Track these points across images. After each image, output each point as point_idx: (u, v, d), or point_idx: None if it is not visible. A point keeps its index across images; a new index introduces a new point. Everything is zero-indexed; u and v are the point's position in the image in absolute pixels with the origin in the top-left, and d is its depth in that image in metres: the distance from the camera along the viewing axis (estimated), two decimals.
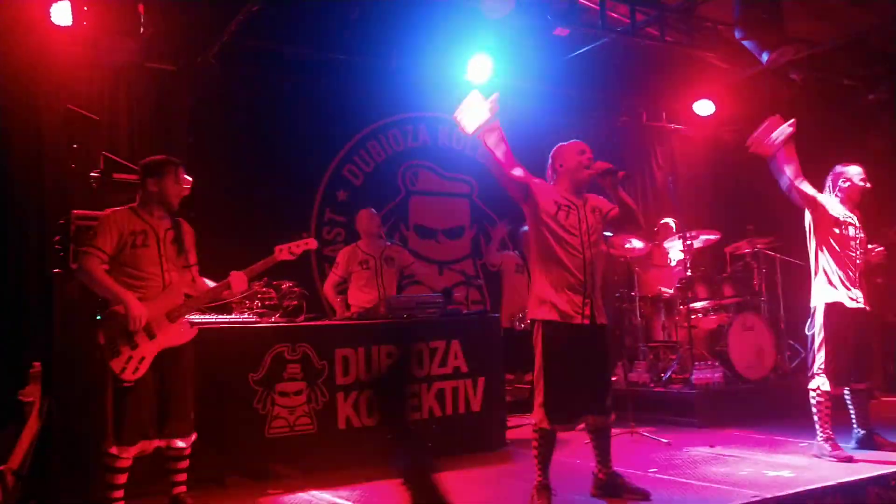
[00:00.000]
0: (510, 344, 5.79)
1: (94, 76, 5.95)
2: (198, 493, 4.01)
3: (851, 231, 4.78)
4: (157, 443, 3.75)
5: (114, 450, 3.63)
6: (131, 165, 4.74)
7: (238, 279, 4.00)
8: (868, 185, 4.82)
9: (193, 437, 3.86)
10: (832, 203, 4.82)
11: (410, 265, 6.41)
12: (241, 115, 6.60)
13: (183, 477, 3.87)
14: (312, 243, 4.27)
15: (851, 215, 4.84)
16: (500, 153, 3.79)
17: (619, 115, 8.66)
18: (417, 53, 6.94)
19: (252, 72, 6.70)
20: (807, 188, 4.72)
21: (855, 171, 4.86)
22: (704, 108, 8.13)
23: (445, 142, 7.83)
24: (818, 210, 4.76)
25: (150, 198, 3.90)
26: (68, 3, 5.30)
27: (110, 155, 4.75)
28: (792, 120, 4.61)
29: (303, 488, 4.31)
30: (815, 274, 4.83)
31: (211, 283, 4.06)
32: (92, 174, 4.66)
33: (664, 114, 8.82)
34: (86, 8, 5.24)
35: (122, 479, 3.69)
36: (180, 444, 3.80)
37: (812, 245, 4.84)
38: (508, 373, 6.23)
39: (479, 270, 7.80)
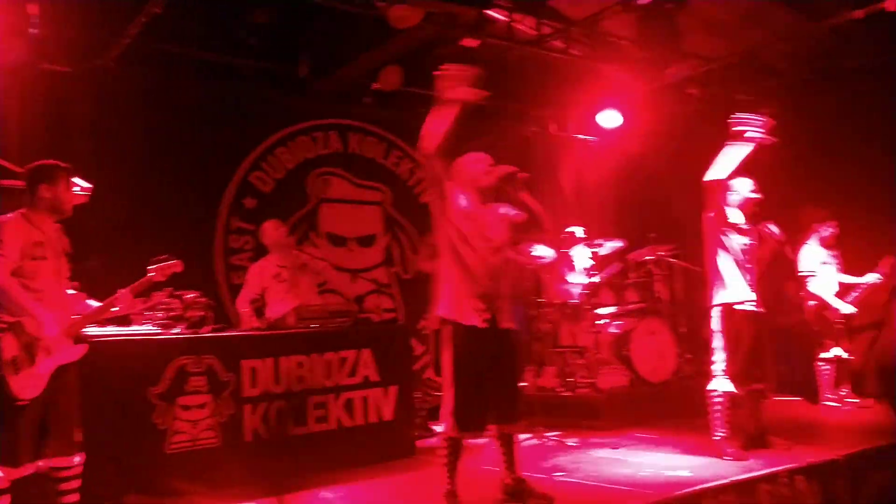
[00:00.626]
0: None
1: None
2: None
3: (746, 238, 5.01)
4: (36, 465, 3.56)
5: (1, 471, 3.43)
6: (21, 171, 4.52)
7: (123, 297, 3.87)
8: (758, 196, 5.05)
9: (78, 458, 3.67)
10: (730, 212, 5.04)
11: (323, 271, 6.33)
12: (143, 119, 6.37)
13: (74, 498, 3.69)
14: (177, 266, 4.11)
15: (745, 224, 5.07)
16: (440, 133, 3.78)
17: (527, 125, 8.82)
18: (328, 60, 6.87)
19: (155, 75, 6.48)
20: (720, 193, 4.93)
21: (745, 184, 5.10)
22: (610, 119, 8.38)
23: (356, 149, 7.79)
24: (720, 208, 4.94)
25: (43, 205, 3.69)
26: None
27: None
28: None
29: None
30: (713, 278, 5.04)
31: (92, 303, 3.92)
32: None
33: (571, 124, 9.04)
34: None
35: (6, 501, 3.51)
36: (62, 464, 3.62)
37: (710, 251, 5.05)
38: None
39: (392, 278, 7.79)
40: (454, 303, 3.86)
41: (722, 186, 5.07)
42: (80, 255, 3.97)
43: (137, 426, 4.35)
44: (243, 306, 5.94)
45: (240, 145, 7.04)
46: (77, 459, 3.67)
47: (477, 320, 3.83)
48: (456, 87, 3.70)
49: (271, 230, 6.05)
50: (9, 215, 3.70)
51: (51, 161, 3.79)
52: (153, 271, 4.03)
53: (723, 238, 4.97)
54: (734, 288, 4.92)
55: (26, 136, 5.72)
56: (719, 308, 4.95)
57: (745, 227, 5.03)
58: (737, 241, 4.96)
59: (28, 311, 3.53)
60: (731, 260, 4.95)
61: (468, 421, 3.81)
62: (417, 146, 3.88)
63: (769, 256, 5.21)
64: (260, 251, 6.37)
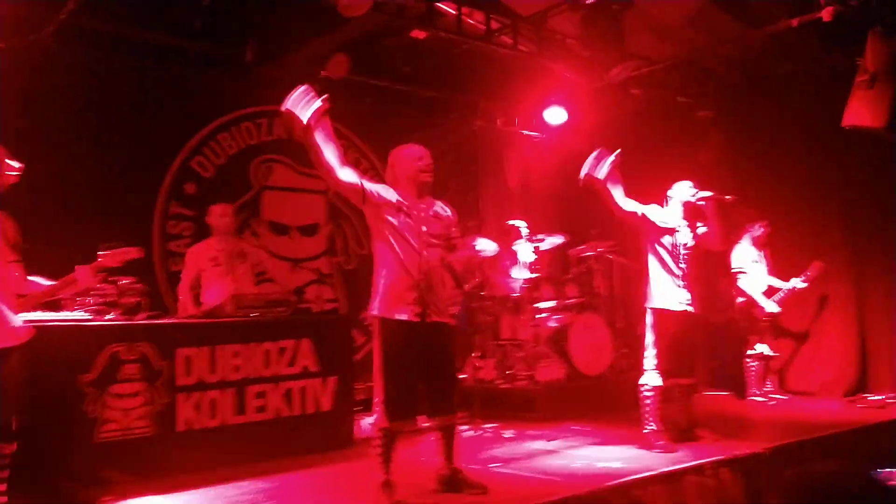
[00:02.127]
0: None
1: None
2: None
3: (680, 239, 5.13)
4: None
5: None
6: None
7: (83, 273, 3.77)
8: (695, 198, 5.17)
9: (13, 447, 3.59)
10: (662, 214, 5.15)
11: (263, 261, 6.26)
12: (80, 99, 6.17)
13: (2, 488, 3.60)
14: (135, 252, 4.07)
15: (682, 223, 5.19)
16: (328, 153, 3.75)
17: (475, 119, 8.87)
18: (273, 46, 6.77)
19: (93, 54, 6.29)
20: (631, 207, 5.03)
21: (683, 186, 5.23)
22: (555, 116, 8.47)
23: None
24: (646, 223, 5.09)
25: None
26: None
27: None
28: (618, 150, 4.90)
29: (136, 494, 4.13)
30: (647, 278, 5.17)
31: (40, 280, 3.81)
32: None
33: (517, 119, 9.11)
34: None
35: None
36: (8, 451, 3.56)
37: (645, 251, 5.18)
38: None
39: (334, 268, 7.75)
40: (385, 297, 3.88)
41: (671, 191, 5.18)
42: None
43: (67, 414, 4.26)
44: (184, 292, 5.85)
45: (181, 129, 6.88)
46: (11, 449, 3.59)
47: (408, 314, 3.85)
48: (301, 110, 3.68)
49: (218, 213, 5.95)
50: None
51: None
52: (102, 257, 3.93)
53: (651, 243, 5.10)
54: (663, 291, 5.07)
55: None
56: (651, 308, 5.10)
57: (679, 227, 5.15)
58: (669, 244, 5.09)
59: None
60: (661, 263, 5.08)
61: (398, 411, 3.83)
62: (327, 181, 3.86)
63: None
64: (199, 238, 6.27)
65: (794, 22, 6.19)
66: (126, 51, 6.44)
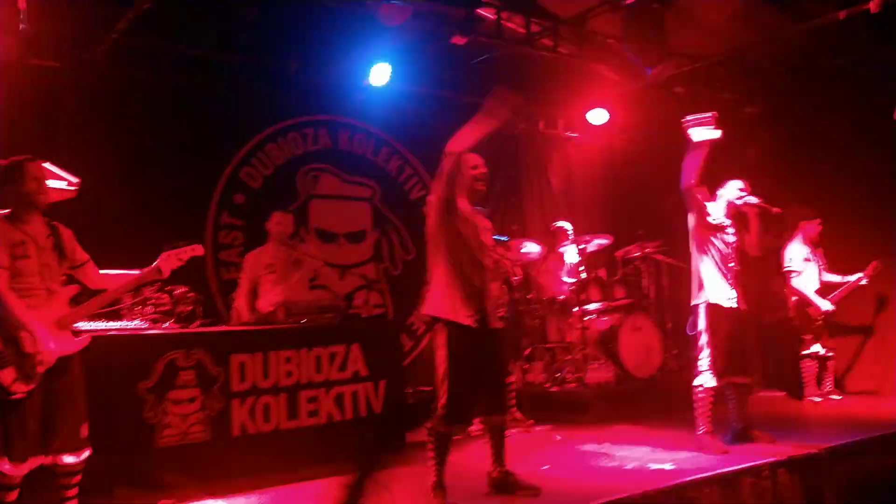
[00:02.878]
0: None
1: None
2: None
3: (729, 238, 5.07)
4: (42, 459, 3.57)
5: (5, 466, 3.45)
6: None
7: (168, 260, 3.92)
8: (742, 199, 5.07)
9: (86, 453, 3.71)
10: (716, 211, 5.10)
11: (319, 269, 6.35)
12: (132, 114, 6.36)
13: (73, 492, 3.73)
14: (199, 249, 4.17)
15: (729, 223, 5.12)
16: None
17: (517, 122, 8.87)
18: (317, 57, 6.90)
19: (144, 71, 6.47)
20: (699, 194, 4.99)
21: (732, 186, 5.14)
22: (598, 117, 8.43)
23: (346, 145, 7.82)
24: (702, 216, 5.03)
25: (17, 204, 3.69)
26: None
27: None
28: (720, 131, 4.84)
29: (196, 498, 4.23)
30: (696, 276, 5.11)
31: (111, 272, 3.94)
32: None
33: (560, 122, 9.09)
34: None
35: (13, 496, 3.53)
36: (69, 459, 3.64)
37: (693, 248, 5.12)
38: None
39: (381, 274, 7.82)
40: (449, 303, 3.93)
41: (721, 189, 5.13)
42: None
43: (128, 420, 4.37)
44: (241, 298, 5.93)
45: (230, 141, 7.05)
46: (84, 455, 3.70)
47: (470, 320, 3.90)
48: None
49: (277, 220, 6.05)
50: None
51: (7, 160, 3.75)
52: (169, 256, 4.03)
53: (700, 239, 5.04)
54: (715, 288, 5.01)
55: (14, 130, 5.72)
56: (702, 307, 5.03)
57: (728, 225, 5.09)
58: (720, 241, 5.03)
59: (22, 324, 3.52)
60: (712, 260, 5.03)
61: (458, 416, 3.88)
62: (448, 147, 3.92)
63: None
64: (249, 247, 6.39)
65: (842, 15, 6.07)
66: (175, 67, 6.61)
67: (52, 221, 3.85)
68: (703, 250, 5.06)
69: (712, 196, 5.16)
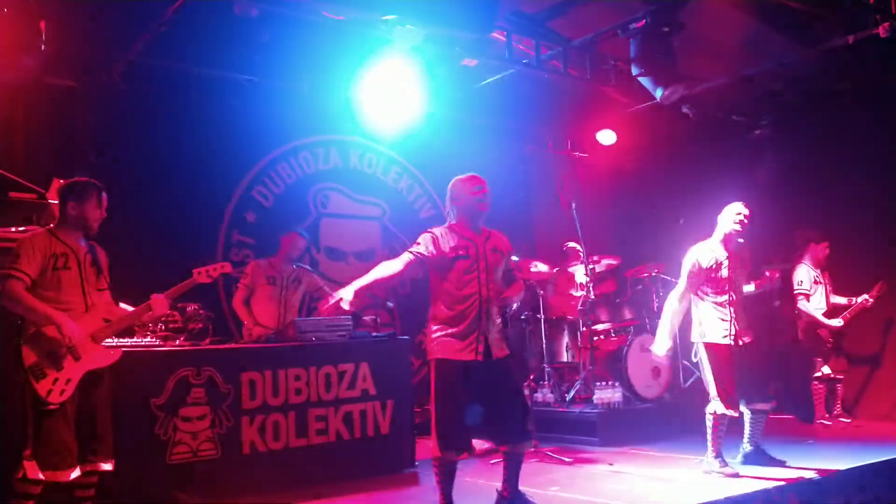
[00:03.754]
0: None
1: None
2: None
3: (724, 273, 5.02)
4: (78, 469, 3.66)
5: (38, 475, 3.53)
6: (28, 184, 4.60)
7: (159, 302, 3.99)
8: (739, 225, 5.02)
9: (110, 464, 3.81)
10: (704, 255, 5.04)
11: (320, 288, 6.40)
12: (146, 134, 6.46)
13: None
14: (228, 267, 4.28)
15: (724, 254, 5.04)
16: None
17: (526, 144, 8.93)
18: (329, 77, 6.97)
19: (159, 91, 6.57)
20: (684, 288, 5.07)
21: (732, 212, 5.08)
22: (606, 138, 8.49)
23: (356, 164, 7.88)
24: (691, 278, 5.05)
25: (69, 221, 3.85)
26: None
27: (6, 173, 4.59)
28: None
29: None
30: (693, 313, 5.11)
31: (126, 307, 4.01)
32: None
33: (569, 142, 9.15)
34: None
35: None
36: (106, 466, 3.78)
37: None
38: None
39: (390, 293, 7.84)
40: (444, 338, 3.92)
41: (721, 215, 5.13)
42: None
43: (140, 437, 4.41)
44: (238, 304, 6.06)
45: (242, 160, 7.13)
46: (109, 467, 3.81)
47: (470, 355, 3.90)
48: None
49: (289, 242, 6.17)
50: (34, 231, 3.88)
51: (83, 178, 3.94)
52: (198, 272, 4.12)
53: (699, 284, 5.04)
54: (711, 328, 5.01)
55: (31, 149, 5.82)
56: (699, 345, 5.06)
57: (725, 261, 5.03)
58: (712, 277, 5.01)
59: (47, 315, 3.64)
60: (707, 300, 5.03)
61: (452, 442, 3.87)
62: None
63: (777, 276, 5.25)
64: None
65: (851, 39, 6.11)
66: (189, 87, 6.70)
67: (91, 241, 3.98)
68: (695, 294, 5.08)
69: (707, 217, 5.16)
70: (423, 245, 3.98)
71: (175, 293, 4.07)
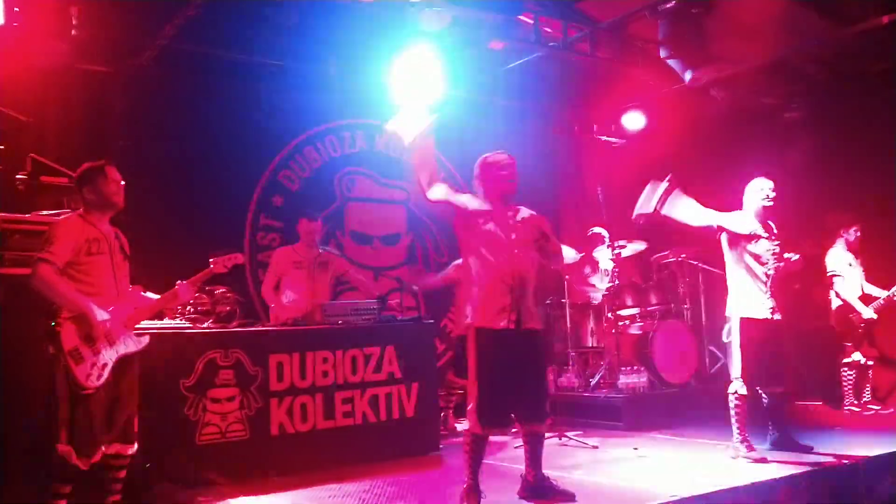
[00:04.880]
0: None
1: (22, 77, 5.80)
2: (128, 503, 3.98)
3: (763, 244, 4.99)
4: (103, 451, 3.73)
5: (72, 458, 3.60)
6: (60, 168, 4.68)
7: (185, 289, 4.05)
8: (769, 200, 5.01)
9: (135, 447, 3.87)
10: (741, 221, 5.03)
11: (346, 272, 6.45)
12: (176, 118, 6.53)
13: (119, 486, 3.86)
14: (240, 258, 4.31)
15: (761, 228, 5.04)
16: (425, 174, 3.90)
17: (551, 126, 8.87)
18: (356, 60, 6.98)
19: (188, 75, 6.64)
20: (706, 219, 4.99)
21: (757, 188, 5.08)
22: (633, 121, 8.40)
23: (382, 149, 7.89)
24: (727, 232, 5.01)
25: (92, 206, 3.88)
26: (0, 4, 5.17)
27: (38, 157, 4.67)
28: (668, 175, 4.85)
29: (234, 495, 4.31)
30: (730, 286, 5.08)
31: (151, 295, 4.07)
32: (19, 176, 4.57)
33: (595, 125, 9.06)
34: (16, 9, 5.11)
35: (69, 488, 3.68)
36: (130, 451, 3.83)
37: (727, 259, 5.08)
38: (463, 379, 6.30)
39: (415, 278, 7.87)
40: (481, 306, 3.94)
41: (746, 191, 5.09)
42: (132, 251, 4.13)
43: (170, 418, 4.49)
44: (267, 293, 6.10)
45: (269, 144, 7.18)
46: (133, 449, 3.86)
47: (503, 322, 3.90)
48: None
49: (304, 227, 6.18)
50: (66, 215, 3.92)
51: (87, 164, 3.94)
52: (213, 262, 4.19)
53: (735, 251, 5.00)
54: (747, 299, 4.98)
55: (64, 134, 5.91)
56: (735, 318, 5.01)
57: (760, 233, 5.02)
58: (752, 250, 4.98)
59: (75, 302, 3.68)
60: (746, 270, 4.99)
61: (492, 418, 3.89)
62: (420, 192, 3.97)
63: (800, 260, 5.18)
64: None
65: (885, 19, 5.98)
66: (218, 72, 6.76)
67: (115, 228, 4.01)
68: (735, 261, 5.03)
69: (737, 202, 5.11)
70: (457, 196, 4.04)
71: (197, 280, 4.13)
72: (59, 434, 3.64)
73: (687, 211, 4.95)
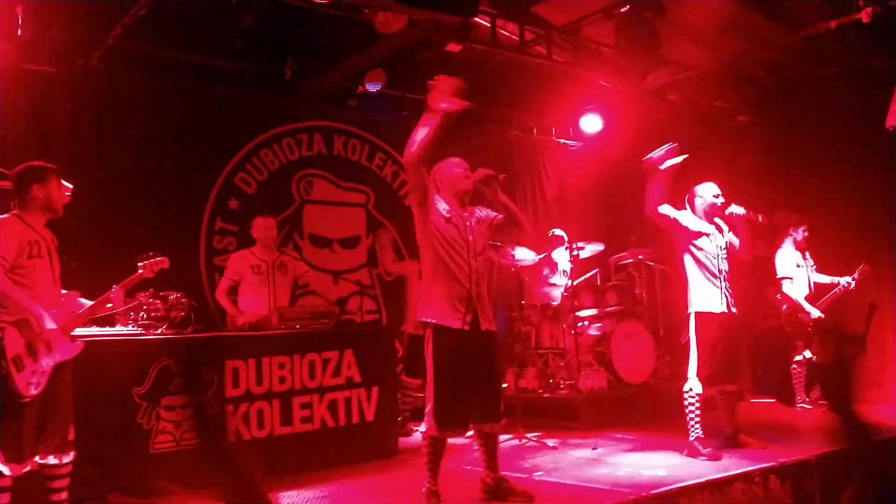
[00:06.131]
0: (416, 350, 5.84)
1: None
2: None
3: (713, 242, 5.10)
4: (34, 461, 3.62)
5: (4, 468, 3.49)
6: (2, 170, 4.54)
7: (117, 294, 3.96)
8: (721, 200, 5.14)
9: (71, 455, 3.73)
10: (692, 219, 5.14)
11: (304, 274, 6.37)
12: (127, 120, 6.36)
13: (63, 496, 3.74)
14: (165, 262, 4.24)
15: (711, 227, 5.15)
16: (423, 136, 3.86)
17: (510, 129, 8.90)
18: (312, 63, 6.91)
19: (139, 76, 6.49)
20: (666, 211, 5.05)
21: (707, 189, 5.20)
22: (591, 124, 8.48)
23: (341, 151, 7.82)
24: (678, 227, 5.09)
25: (35, 205, 3.76)
26: None
27: None
28: (685, 155, 4.92)
29: None
30: (687, 284, 5.15)
31: (83, 301, 3.97)
32: None
33: (553, 128, 9.13)
34: None
35: (5, 499, 3.56)
36: (54, 461, 3.66)
37: (683, 258, 5.16)
38: (414, 378, 6.28)
39: (375, 280, 7.83)
40: (436, 306, 3.93)
41: (690, 195, 5.18)
42: (63, 254, 4.01)
43: (122, 426, 4.38)
44: (221, 296, 6.00)
45: (224, 147, 7.04)
46: (69, 458, 3.73)
47: (458, 323, 3.89)
48: (443, 97, 3.78)
49: (262, 227, 6.09)
50: (3, 216, 3.75)
51: (40, 162, 3.85)
52: (142, 268, 4.11)
53: (689, 247, 5.08)
54: (702, 295, 5.06)
55: (9, 136, 5.73)
56: (691, 315, 5.09)
57: (711, 231, 5.12)
58: (704, 246, 5.07)
59: (26, 308, 3.58)
60: (698, 267, 5.07)
61: (449, 420, 3.88)
62: (404, 154, 3.94)
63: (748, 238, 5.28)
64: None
65: (833, 24, 6.12)
66: (170, 72, 6.63)
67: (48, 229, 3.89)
68: (687, 259, 5.12)
69: (681, 204, 5.20)
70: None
71: (126, 285, 4.06)
72: None
73: (662, 194, 5.01)
